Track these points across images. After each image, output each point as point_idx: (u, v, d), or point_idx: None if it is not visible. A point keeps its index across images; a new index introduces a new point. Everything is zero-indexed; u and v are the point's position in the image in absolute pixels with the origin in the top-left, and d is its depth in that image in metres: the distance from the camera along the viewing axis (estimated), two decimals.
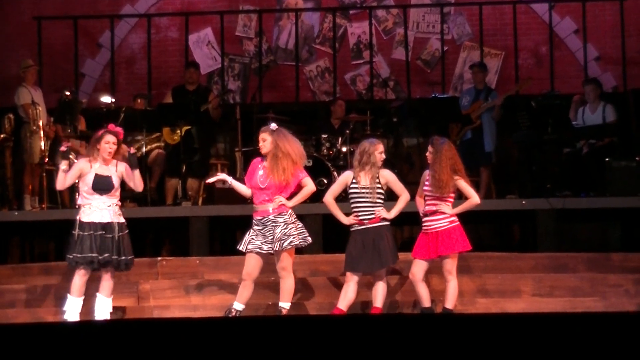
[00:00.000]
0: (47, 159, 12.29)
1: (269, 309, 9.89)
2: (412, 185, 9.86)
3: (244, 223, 9.55)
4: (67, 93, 12.61)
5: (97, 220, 9.16)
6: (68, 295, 9.29)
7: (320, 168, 12.08)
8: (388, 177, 9.48)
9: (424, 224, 9.44)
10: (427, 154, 9.48)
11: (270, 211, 9.19)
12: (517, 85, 13.76)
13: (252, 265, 9.26)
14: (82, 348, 5.57)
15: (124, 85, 15.04)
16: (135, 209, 11.84)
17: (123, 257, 9.24)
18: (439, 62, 14.87)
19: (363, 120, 13.05)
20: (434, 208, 9.36)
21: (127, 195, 10.07)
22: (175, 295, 10.43)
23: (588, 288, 10.29)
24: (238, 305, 9.27)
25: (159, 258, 11.07)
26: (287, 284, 9.28)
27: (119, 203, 9.39)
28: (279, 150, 9.19)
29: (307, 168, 11.42)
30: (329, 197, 9.63)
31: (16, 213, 12.18)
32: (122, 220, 9.32)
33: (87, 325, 7.68)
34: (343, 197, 10.04)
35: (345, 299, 9.35)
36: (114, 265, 9.24)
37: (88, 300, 9.35)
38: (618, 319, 6.14)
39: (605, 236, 11.92)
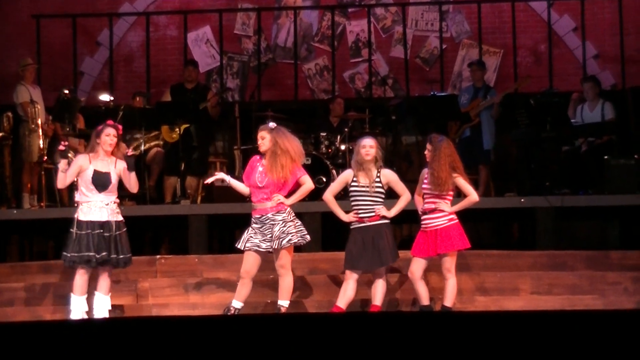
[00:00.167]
0: (45, 158, 12.29)
1: (268, 307, 9.89)
2: (411, 183, 9.86)
3: (243, 221, 9.55)
4: (66, 91, 12.60)
5: (95, 219, 9.16)
6: (71, 294, 9.31)
7: (319, 166, 12.08)
8: (389, 176, 9.48)
9: (422, 222, 9.44)
10: (426, 152, 9.48)
11: (269, 209, 9.19)
12: (516, 83, 13.75)
13: (250, 263, 9.26)
14: (81, 346, 5.57)
15: (123, 83, 15.04)
16: (134, 207, 11.83)
17: (121, 256, 9.25)
18: (437, 60, 14.87)
19: (362, 118, 13.04)
20: (432, 206, 9.37)
21: (125, 193, 10.06)
22: (174, 294, 10.43)
23: (587, 286, 10.29)
24: (236, 304, 9.28)
25: (158, 256, 11.07)
26: (286, 282, 9.29)
27: (117, 201, 9.38)
28: (278, 148, 9.19)
29: (306, 166, 11.41)
30: (329, 195, 9.63)
31: (15, 211, 12.17)
32: (120, 218, 9.32)
33: (86, 323, 7.68)
34: (342, 196, 10.04)
35: (345, 297, 9.35)
36: (112, 263, 9.24)
37: (87, 299, 9.35)
38: (617, 316, 6.14)
39: (604, 234, 11.91)
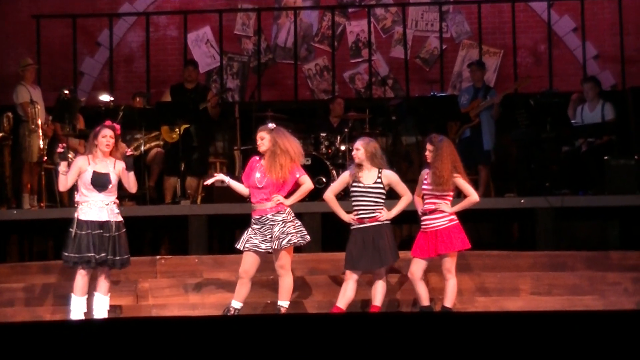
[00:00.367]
0: (45, 158, 12.29)
1: (268, 308, 9.89)
2: (411, 184, 9.86)
3: (243, 222, 9.55)
4: (66, 92, 12.60)
5: (94, 219, 9.16)
6: (72, 294, 9.31)
7: (319, 166, 12.08)
8: (391, 177, 9.47)
9: (423, 223, 9.44)
10: (427, 152, 9.47)
11: (268, 210, 9.19)
12: (516, 83, 13.74)
13: (249, 263, 9.26)
14: (81, 346, 5.57)
15: (123, 83, 15.04)
16: (134, 207, 11.83)
17: (118, 257, 9.24)
18: (437, 60, 14.87)
19: (362, 118, 13.04)
20: (433, 207, 9.37)
21: (125, 193, 10.06)
22: (174, 294, 10.43)
23: (587, 286, 10.30)
24: (236, 304, 9.28)
25: (158, 256, 11.07)
26: (286, 283, 9.29)
27: (117, 201, 9.39)
28: (277, 148, 9.20)
29: (305, 167, 11.41)
30: (330, 194, 9.62)
31: (15, 212, 12.18)
32: (120, 219, 9.33)
33: (85, 323, 7.68)
34: (343, 196, 10.04)
35: (345, 297, 9.35)
36: (109, 264, 9.24)
37: (86, 299, 9.35)
38: (617, 317, 6.14)
39: (604, 234, 11.92)
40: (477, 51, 14.66)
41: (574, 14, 14.65)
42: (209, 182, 9.87)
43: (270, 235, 9.15)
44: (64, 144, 9.88)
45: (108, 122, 9.48)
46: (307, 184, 9.39)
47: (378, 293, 9.41)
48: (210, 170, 12.59)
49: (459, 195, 9.76)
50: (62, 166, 9.35)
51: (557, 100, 12.62)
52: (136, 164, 10.44)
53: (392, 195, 9.67)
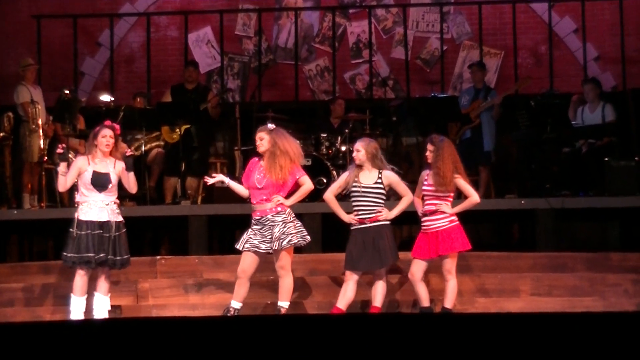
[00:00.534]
0: (46, 158, 12.28)
1: (268, 308, 9.89)
2: (411, 184, 9.85)
3: (243, 222, 9.55)
4: (67, 92, 12.60)
5: (94, 219, 9.16)
6: (71, 295, 9.31)
7: (319, 167, 12.08)
8: (391, 178, 9.47)
9: (423, 224, 9.43)
10: (427, 153, 9.46)
11: (268, 210, 9.19)
12: (517, 84, 13.75)
13: (247, 263, 9.26)
14: (81, 347, 5.56)
15: (123, 84, 15.04)
16: (134, 207, 11.84)
17: (119, 257, 9.24)
18: (438, 61, 14.87)
19: (362, 119, 13.04)
20: (433, 208, 9.36)
21: (125, 194, 10.06)
22: (174, 294, 10.43)
23: (587, 287, 10.29)
24: (235, 304, 9.28)
25: (158, 257, 11.06)
26: (286, 283, 9.28)
27: (117, 201, 9.39)
28: (277, 148, 9.19)
29: (306, 167, 11.42)
30: (329, 194, 9.62)
31: (15, 212, 12.18)
32: (120, 219, 9.32)
33: (85, 324, 7.68)
34: (343, 197, 10.04)
35: (345, 298, 9.34)
36: (109, 264, 9.24)
37: (86, 299, 9.35)
38: (617, 318, 6.14)
39: (604, 236, 11.90)
40: (478, 52, 14.66)
41: (574, 15, 14.65)
42: (210, 181, 9.85)
43: (270, 236, 9.14)
44: (64, 145, 9.88)
45: (108, 122, 9.48)
46: (307, 184, 9.39)
47: (378, 294, 9.41)
48: (210, 170, 12.59)
49: (459, 196, 9.76)
50: (62, 167, 9.35)
51: (558, 102, 12.62)
52: (136, 164, 10.44)
53: (395, 197, 9.68)
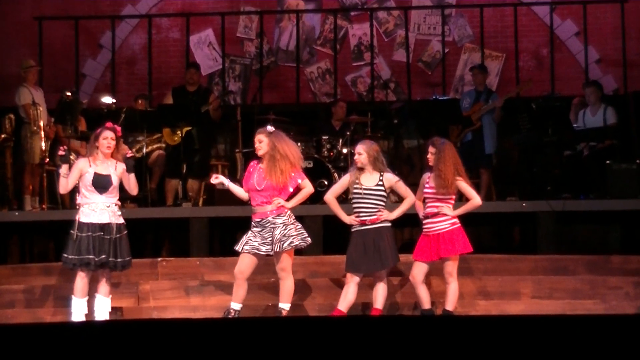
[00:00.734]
0: (47, 160, 12.28)
1: (269, 310, 9.89)
2: (412, 187, 9.85)
3: (244, 224, 9.55)
4: (68, 93, 12.61)
5: (95, 221, 9.16)
6: (72, 296, 9.31)
7: (320, 169, 12.08)
8: (392, 180, 9.47)
9: (425, 226, 9.43)
10: (429, 155, 9.46)
11: (269, 213, 9.19)
12: (518, 87, 13.75)
13: (245, 264, 9.25)
14: (82, 348, 5.57)
15: (125, 85, 15.05)
16: (135, 209, 11.84)
17: (120, 259, 9.24)
18: (439, 63, 14.88)
19: (364, 121, 13.04)
20: (435, 210, 9.35)
21: (127, 196, 10.06)
22: (175, 296, 10.42)
23: (588, 290, 10.28)
24: (235, 305, 9.27)
25: (159, 259, 11.06)
26: (287, 285, 9.28)
27: (119, 203, 9.39)
28: (277, 152, 9.19)
29: (307, 169, 11.44)
30: (330, 196, 9.62)
31: (16, 213, 12.18)
32: (121, 221, 9.32)
33: (86, 325, 7.68)
34: (344, 199, 10.04)
35: (346, 300, 9.34)
36: (110, 266, 9.24)
37: (87, 301, 9.35)
38: (618, 321, 6.14)
39: (605, 238, 11.90)
40: (479, 55, 14.67)
41: (576, 18, 14.66)
42: (211, 180, 9.83)
43: (270, 238, 9.14)
44: (65, 147, 9.89)
45: (109, 124, 9.47)
46: (308, 187, 9.39)
47: (379, 296, 9.41)
48: (211, 172, 12.60)
49: (461, 199, 9.75)
50: (63, 169, 9.35)
51: (559, 104, 12.62)
52: (137, 166, 10.44)
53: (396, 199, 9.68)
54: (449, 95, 14.57)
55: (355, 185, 9.41)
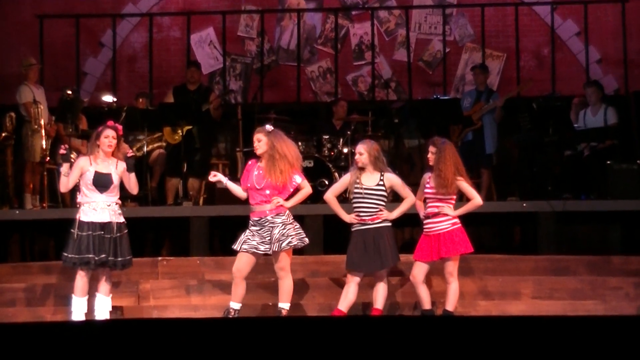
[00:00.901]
0: (48, 158, 12.28)
1: (269, 310, 9.88)
2: (413, 186, 9.85)
3: (245, 223, 9.54)
4: (69, 92, 12.60)
5: (96, 220, 9.15)
6: (72, 295, 9.31)
7: (321, 169, 12.08)
8: (393, 180, 9.47)
9: (425, 226, 9.42)
10: (429, 155, 9.45)
11: (268, 212, 9.18)
12: (519, 86, 13.75)
13: (243, 263, 9.25)
14: (82, 347, 5.57)
15: (126, 84, 15.05)
16: (136, 208, 11.84)
17: (120, 258, 9.23)
18: (440, 63, 14.88)
19: (364, 121, 13.04)
20: (435, 210, 9.35)
21: (127, 194, 10.06)
22: (175, 295, 10.42)
23: (588, 291, 10.28)
24: (235, 305, 9.27)
25: (160, 258, 11.06)
26: (286, 284, 9.28)
27: (119, 202, 9.38)
28: (276, 152, 9.19)
29: (308, 169, 11.46)
30: (330, 195, 9.62)
31: (17, 212, 12.18)
32: (122, 220, 9.32)
33: (87, 324, 7.68)
34: (344, 199, 10.03)
35: (346, 300, 9.34)
36: (110, 265, 9.24)
37: (88, 300, 9.35)
38: (618, 322, 6.14)
39: (606, 239, 11.89)
40: (480, 54, 14.67)
41: (577, 17, 14.66)
42: (210, 179, 9.82)
43: (269, 237, 9.14)
44: (66, 145, 9.89)
45: (110, 123, 9.47)
46: (307, 188, 9.40)
47: (379, 296, 9.41)
48: (210, 171, 12.60)
49: (461, 199, 9.75)
50: (64, 167, 9.34)
51: (560, 104, 12.62)
52: (138, 165, 10.44)
53: (396, 199, 9.68)
54: (450, 94, 14.58)
55: (355, 185, 9.41)
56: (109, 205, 9.24)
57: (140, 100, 13.56)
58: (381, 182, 9.37)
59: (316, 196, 10.69)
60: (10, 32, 15.21)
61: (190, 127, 12.76)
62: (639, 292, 10.22)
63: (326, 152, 12.50)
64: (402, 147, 14.16)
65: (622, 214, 11.68)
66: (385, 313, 9.53)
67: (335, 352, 5.52)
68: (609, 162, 11.89)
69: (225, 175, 10.56)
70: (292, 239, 9.15)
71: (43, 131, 12.29)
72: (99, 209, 9.20)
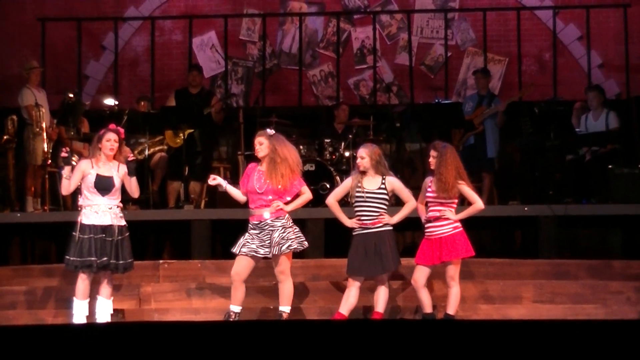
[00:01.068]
0: (49, 161, 12.29)
1: (270, 313, 9.88)
2: (414, 190, 9.85)
3: (246, 227, 9.55)
4: (70, 95, 12.61)
5: (97, 223, 9.16)
6: (74, 298, 9.31)
7: (322, 172, 12.09)
8: (394, 184, 9.46)
9: (427, 230, 9.42)
10: (430, 159, 9.46)
11: (268, 216, 9.18)
12: (520, 91, 13.76)
13: (242, 266, 9.25)
14: (83, 350, 5.57)
15: (127, 87, 15.06)
16: (137, 211, 11.85)
17: (121, 261, 9.24)
18: (442, 67, 14.88)
19: (366, 125, 13.05)
20: (437, 214, 9.35)
21: (128, 197, 10.07)
22: (176, 298, 10.42)
23: (589, 295, 10.28)
24: (235, 308, 9.27)
25: (161, 261, 11.06)
26: (286, 288, 9.28)
27: (121, 205, 9.39)
28: (277, 156, 9.19)
29: (309, 172, 11.47)
30: (332, 199, 9.61)
31: (18, 214, 12.19)
32: (123, 223, 9.32)
33: (88, 327, 7.68)
34: (346, 202, 10.04)
35: (347, 303, 9.34)
36: (111, 268, 9.24)
37: (89, 303, 9.35)
38: (619, 326, 6.14)
39: (607, 243, 11.89)
40: (482, 59, 14.67)
41: (579, 22, 14.66)
42: (209, 181, 9.81)
43: (269, 241, 9.14)
44: (68, 148, 9.88)
45: (112, 126, 9.48)
46: (307, 193, 9.41)
47: (380, 299, 9.40)
48: (209, 174, 12.61)
49: (463, 202, 9.75)
50: (66, 170, 9.35)
51: (562, 109, 12.63)
52: (139, 169, 10.44)
53: (398, 203, 9.67)
54: (452, 99, 14.58)
55: (357, 189, 9.40)
56: (111, 209, 9.25)
57: (142, 103, 13.57)
58: (383, 186, 9.37)
59: (317, 200, 10.68)
60: (12, 34, 15.22)
61: (191, 130, 12.76)
62: None
63: (328, 155, 12.51)
64: (404, 151, 14.15)
65: (623, 219, 11.67)
66: (386, 317, 9.53)
67: (336, 356, 5.52)
68: (610, 166, 11.89)
69: (226, 178, 10.57)
70: (291, 242, 9.15)
71: (45, 134, 12.30)
72: (100, 212, 9.20)
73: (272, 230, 9.15)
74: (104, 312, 9.32)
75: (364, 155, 9.42)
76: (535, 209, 11.74)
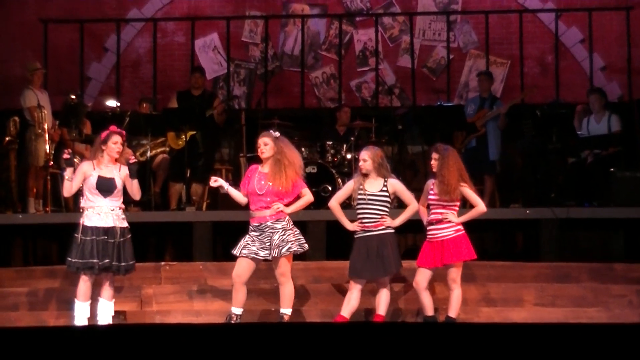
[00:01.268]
0: (51, 162, 12.30)
1: (271, 315, 9.88)
2: (416, 193, 9.85)
3: (247, 229, 9.55)
4: (73, 96, 12.64)
5: (99, 225, 9.16)
6: (75, 300, 9.31)
7: (324, 175, 12.08)
8: (396, 186, 9.46)
9: (429, 233, 9.41)
10: (432, 161, 9.45)
11: (268, 218, 9.18)
12: (522, 93, 13.75)
13: (242, 268, 9.25)
14: (85, 352, 5.57)
15: (130, 89, 15.07)
16: (139, 213, 11.85)
17: (123, 263, 9.24)
18: (444, 70, 14.88)
19: (368, 127, 13.05)
20: (439, 216, 9.34)
21: (130, 199, 10.08)
22: (178, 300, 10.42)
23: (591, 298, 10.27)
24: (236, 310, 9.27)
25: (162, 263, 11.06)
26: (287, 290, 9.28)
27: (123, 206, 9.39)
28: (285, 158, 9.19)
29: (311, 175, 11.46)
30: (334, 202, 9.60)
31: (20, 216, 12.19)
32: (125, 224, 9.32)
33: (89, 329, 7.68)
34: (347, 205, 10.04)
35: (348, 306, 9.33)
36: (113, 270, 9.24)
37: (90, 305, 9.35)
38: (621, 329, 6.13)
39: (609, 246, 11.88)
40: (484, 61, 14.67)
41: (581, 25, 14.67)
42: (211, 183, 9.80)
43: (269, 243, 9.13)
44: (70, 150, 9.89)
45: (113, 128, 9.47)
46: (308, 196, 9.40)
47: (382, 302, 9.40)
48: (210, 176, 12.61)
49: (465, 205, 9.75)
50: (68, 172, 9.35)
51: (564, 111, 12.63)
52: (141, 171, 10.44)
53: (400, 206, 9.68)
54: (454, 101, 14.59)
55: (359, 192, 9.40)
56: (113, 210, 9.25)
57: (144, 105, 13.57)
58: (385, 188, 9.37)
59: (319, 202, 10.67)
60: (15, 36, 15.24)
61: (193, 132, 12.77)
62: None
63: (330, 158, 12.50)
64: (406, 154, 14.15)
65: (625, 222, 11.66)
66: (387, 319, 9.52)
67: (337, 358, 5.52)
68: (612, 169, 11.89)
69: (228, 180, 10.57)
70: (291, 244, 9.15)
71: (47, 135, 12.32)
72: (102, 213, 9.21)
73: (272, 233, 9.15)
74: (106, 314, 9.33)
75: (366, 157, 9.41)
76: (537, 212, 11.73)
